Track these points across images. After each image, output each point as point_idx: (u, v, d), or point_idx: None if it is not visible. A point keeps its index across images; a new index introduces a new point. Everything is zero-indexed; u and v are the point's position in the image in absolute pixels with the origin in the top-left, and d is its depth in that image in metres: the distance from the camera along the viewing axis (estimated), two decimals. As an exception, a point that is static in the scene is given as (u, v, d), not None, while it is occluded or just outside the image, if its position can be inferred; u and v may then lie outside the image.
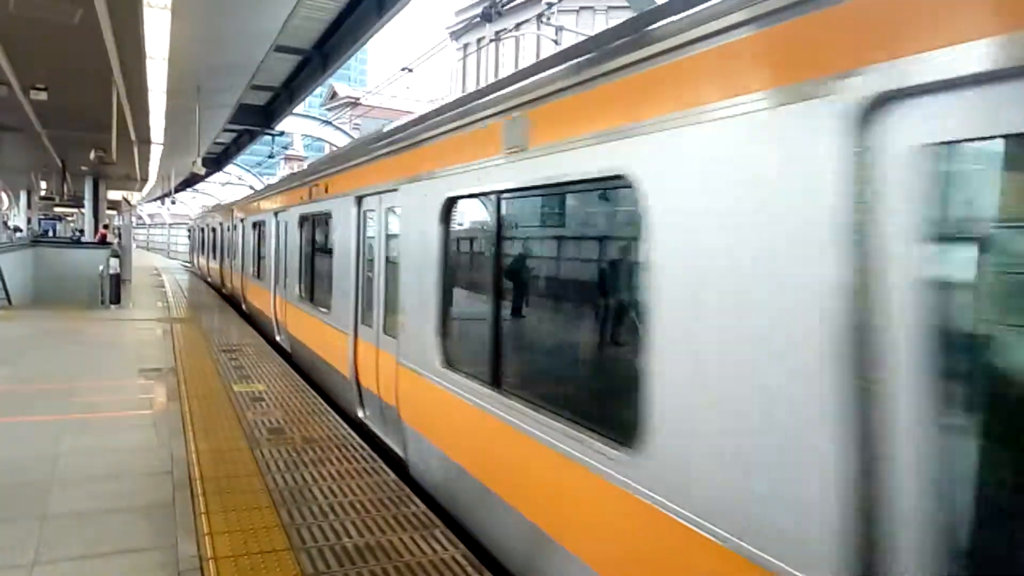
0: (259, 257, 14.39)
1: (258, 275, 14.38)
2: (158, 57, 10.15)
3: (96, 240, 23.59)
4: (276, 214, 12.33)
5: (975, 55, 1.65)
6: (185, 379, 8.47)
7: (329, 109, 58.51)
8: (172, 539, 4.14)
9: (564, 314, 4.04)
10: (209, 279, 25.80)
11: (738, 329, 2.34)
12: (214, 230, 23.59)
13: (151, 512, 4.56)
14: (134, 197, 40.78)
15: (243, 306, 16.44)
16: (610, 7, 46.30)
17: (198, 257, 31.83)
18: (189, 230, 41.16)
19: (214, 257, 23.58)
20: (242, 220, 16.95)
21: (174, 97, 12.88)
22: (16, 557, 3.90)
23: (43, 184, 29.16)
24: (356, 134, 33.65)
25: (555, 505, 3.45)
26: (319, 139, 37.14)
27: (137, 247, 41.92)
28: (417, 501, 4.85)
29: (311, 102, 52.57)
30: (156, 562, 3.90)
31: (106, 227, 29.99)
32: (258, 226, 14.55)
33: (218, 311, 16.45)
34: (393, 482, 5.21)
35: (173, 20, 8.56)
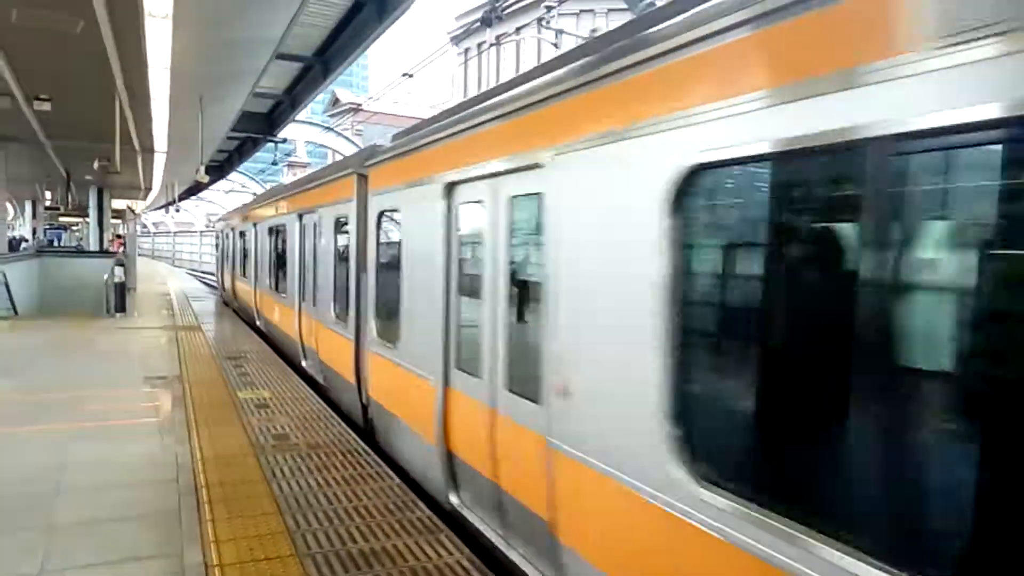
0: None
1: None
2: (160, 66, 10.19)
3: (115, 249, 23.74)
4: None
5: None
6: (190, 386, 8.50)
7: (331, 115, 58.72)
8: (178, 547, 4.16)
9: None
10: (258, 322, 14.59)
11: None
12: (277, 232, 12.69)
13: (157, 520, 4.57)
14: (138, 206, 40.94)
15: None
16: (610, 9, 46.32)
17: (234, 281, 18.57)
18: (216, 236, 26.09)
19: (278, 290, 12.34)
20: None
21: (176, 106, 12.93)
22: (23, 566, 3.91)
23: (48, 194, 29.27)
24: (359, 140, 33.76)
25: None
26: (322, 145, 37.31)
27: (140, 255, 41.94)
28: (422, 506, 4.86)
29: (314, 108, 52.74)
30: (162, 570, 3.91)
31: (119, 237, 30.17)
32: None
33: (228, 319, 16.48)
34: (398, 487, 5.22)
35: (174, 30, 8.59)
